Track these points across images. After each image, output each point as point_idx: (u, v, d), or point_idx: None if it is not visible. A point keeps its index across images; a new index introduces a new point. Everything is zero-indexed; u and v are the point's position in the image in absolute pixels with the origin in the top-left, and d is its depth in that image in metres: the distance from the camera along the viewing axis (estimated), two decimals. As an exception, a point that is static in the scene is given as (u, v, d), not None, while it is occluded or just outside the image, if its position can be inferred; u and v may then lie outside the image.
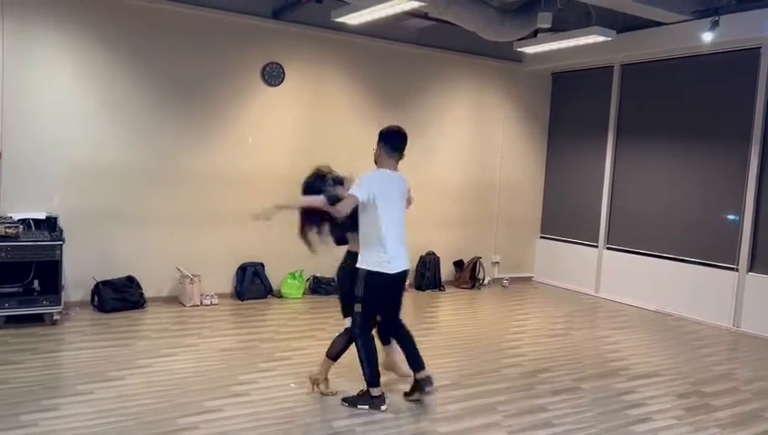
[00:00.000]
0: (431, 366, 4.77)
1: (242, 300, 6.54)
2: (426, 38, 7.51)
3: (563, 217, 8.52)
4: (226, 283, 6.62)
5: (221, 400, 3.86)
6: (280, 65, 6.75)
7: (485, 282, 8.16)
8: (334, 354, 4.06)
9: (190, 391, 3.96)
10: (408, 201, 4.34)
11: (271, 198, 6.99)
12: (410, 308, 6.93)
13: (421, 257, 7.78)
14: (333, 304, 6.68)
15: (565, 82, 8.53)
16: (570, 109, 8.49)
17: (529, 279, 8.75)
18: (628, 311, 7.25)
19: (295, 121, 6.94)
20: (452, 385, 4.40)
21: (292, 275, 6.88)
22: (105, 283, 5.85)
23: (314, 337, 5.42)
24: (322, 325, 5.84)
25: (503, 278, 8.41)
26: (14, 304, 5.13)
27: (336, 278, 4.24)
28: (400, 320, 4.17)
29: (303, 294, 6.95)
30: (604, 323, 6.79)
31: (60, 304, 5.30)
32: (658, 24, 6.55)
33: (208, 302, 6.30)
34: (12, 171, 5.50)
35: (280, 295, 6.80)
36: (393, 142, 4.02)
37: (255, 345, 5.07)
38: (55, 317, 5.28)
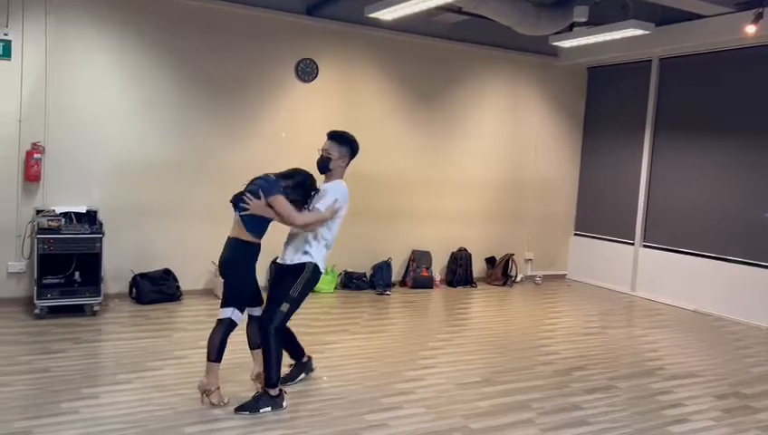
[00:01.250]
0: (463, 362, 4.78)
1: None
2: (459, 33, 7.46)
3: (598, 215, 8.39)
4: (260, 276, 6.64)
5: (255, 392, 3.91)
6: (313, 61, 6.79)
7: (518, 279, 8.09)
8: (217, 355, 3.66)
9: (224, 383, 4.01)
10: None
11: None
12: (441, 304, 6.92)
13: (452, 254, 7.76)
14: (365, 298, 6.76)
15: (601, 76, 8.39)
16: (606, 104, 8.34)
17: (563, 277, 8.64)
18: (665, 310, 7.11)
19: (328, 117, 6.97)
20: (484, 382, 4.38)
21: (325, 270, 6.91)
22: (143, 275, 5.98)
23: (347, 331, 5.45)
24: (355, 320, 5.87)
25: (536, 276, 8.32)
26: (57, 295, 5.29)
27: (228, 270, 3.75)
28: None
29: (335, 288, 7.00)
30: (640, 322, 6.66)
31: (100, 296, 5.43)
32: (699, 16, 6.38)
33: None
34: (54, 166, 5.66)
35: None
36: (356, 152, 3.95)
37: (288, 339, 5.11)
38: (95, 308, 5.42)
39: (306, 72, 6.77)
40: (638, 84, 7.77)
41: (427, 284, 7.40)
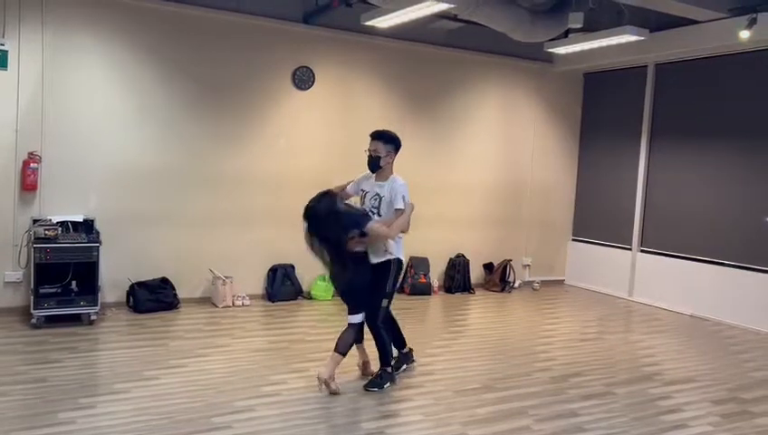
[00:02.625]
0: (461, 369, 4.78)
1: (273, 301, 6.61)
2: (455, 40, 7.49)
3: (596, 220, 8.40)
4: (258, 284, 6.70)
5: (253, 399, 3.91)
6: (310, 69, 6.81)
7: (516, 285, 8.09)
8: (344, 349, 4.16)
9: (223, 391, 4.01)
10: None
11: (301, 200, 7.09)
12: (440, 311, 6.91)
13: (450, 260, 7.76)
14: (363, 306, 6.74)
15: (597, 82, 8.42)
16: (602, 109, 8.37)
17: (561, 282, 8.65)
18: (662, 315, 7.11)
19: (326, 125, 6.99)
20: (482, 388, 4.38)
21: (323, 278, 6.92)
22: (140, 284, 5.97)
23: (344, 339, 5.43)
24: (352, 327, 5.86)
25: (533, 281, 8.33)
26: (53, 304, 5.28)
27: (351, 279, 4.13)
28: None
29: (333, 296, 6.98)
30: (638, 327, 6.66)
31: (97, 305, 5.43)
32: (693, 22, 6.42)
33: (240, 303, 6.38)
34: (51, 175, 5.66)
35: (310, 297, 6.85)
36: (400, 147, 4.34)
37: (286, 346, 5.12)
38: (92, 317, 5.41)
39: (303, 79, 6.79)
40: (635, 90, 7.80)
41: (425, 290, 7.40)
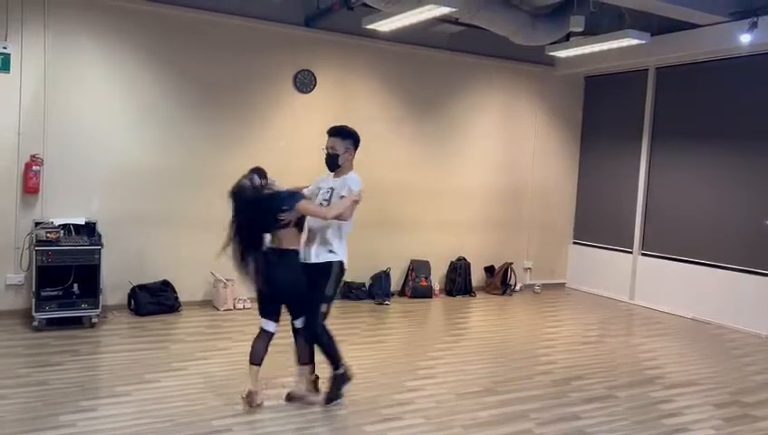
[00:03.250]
0: (462, 372, 4.78)
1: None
2: (456, 43, 7.50)
3: (597, 223, 8.40)
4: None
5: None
6: (311, 72, 6.82)
7: (517, 288, 8.09)
8: (309, 358, 3.96)
9: (224, 394, 4.01)
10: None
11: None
12: (440, 314, 6.91)
13: (452, 263, 7.76)
14: (364, 308, 6.75)
15: (598, 85, 8.43)
16: (603, 113, 8.38)
17: (562, 285, 8.64)
18: (663, 318, 7.10)
19: (326, 128, 6.97)
20: (483, 392, 4.37)
21: (324, 280, 6.91)
22: (141, 287, 5.97)
23: (346, 341, 5.42)
24: (354, 330, 5.87)
25: (534, 284, 8.32)
26: (55, 307, 5.28)
27: (273, 279, 3.77)
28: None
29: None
30: (639, 330, 6.66)
31: (98, 308, 5.43)
32: (694, 26, 6.43)
33: (241, 306, 6.37)
34: (53, 178, 5.67)
35: (311, 300, 6.84)
36: (359, 143, 4.03)
37: (286, 350, 5.08)
38: (94, 320, 5.42)
39: (304, 83, 6.80)
40: (635, 93, 7.81)
41: (426, 293, 7.40)
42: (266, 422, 3.65)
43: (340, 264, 3.84)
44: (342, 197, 3.79)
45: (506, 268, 8.00)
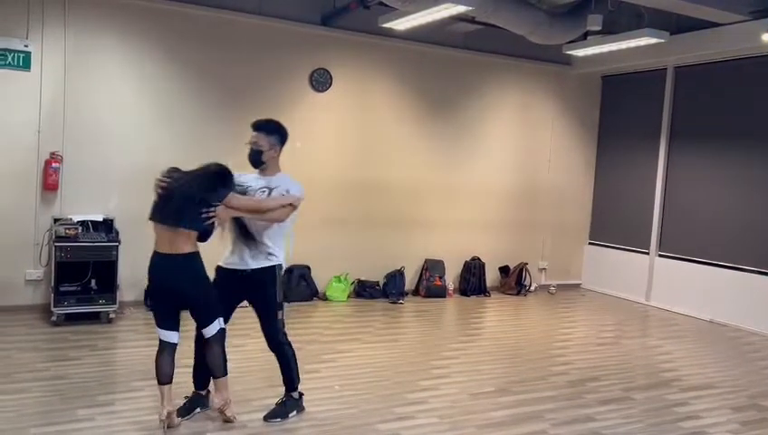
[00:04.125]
0: (477, 372, 4.77)
1: (288, 302, 6.62)
2: (472, 42, 7.48)
3: (613, 224, 8.33)
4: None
5: (267, 400, 3.90)
6: (327, 71, 6.83)
7: (532, 288, 8.05)
8: (225, 368, 3.54)
9: (238, 391, 4.02)
10: None
11: (318, 203, 7.10)
12: (455, 313, 6.90)
13: (466, 262, 7.74)
14: (378, 307, 6.76)
15: (616, 85, 8.36)
16: (620, 112, 8.30)
17: (577, 286, 8.58)
18: (680, 320, 7.03)
19: (342, 126, 7.02)
20: (497, 392, 4.36)
21: (338, 279, 6.94)
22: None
23: (359, 340, 5.45)
24: (368, 329, 5.88)
25: (550, 285, 8.27)
26: (73, 303, 5.35)
27: (198, 287, 3.46)
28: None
29: (348, 297, 7.00)
30: (655, 332, 6.60)
31: (115, 304, 5.49)
32: (714, 24, 6.35)
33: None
34: (72, 175, 5.73)
35: (325, 298, 6.87)
36: (286, 140, 3.69)
37: (301, 347, 5.10)
38: (111, 316, 5.48)
39: (320, 81, 6.81)
40: (653, 92, 7.73)
41: (440, 293, 7.39)
42: (279, 419, 3.66)
43: (281, 267, 3.59)
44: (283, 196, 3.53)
45: (521, 268, 7.97)
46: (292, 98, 6.70)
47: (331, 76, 6.85)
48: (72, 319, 5.34)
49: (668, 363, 5.31)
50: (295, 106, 6.73)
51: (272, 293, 3.56)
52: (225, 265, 3.61)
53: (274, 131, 3.62)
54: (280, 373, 3.70)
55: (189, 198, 3.38)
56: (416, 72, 7.33)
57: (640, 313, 7.38)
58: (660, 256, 7.67)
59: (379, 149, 7.19)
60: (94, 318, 5.42)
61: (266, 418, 3.59)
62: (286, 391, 3.69)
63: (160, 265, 3.45)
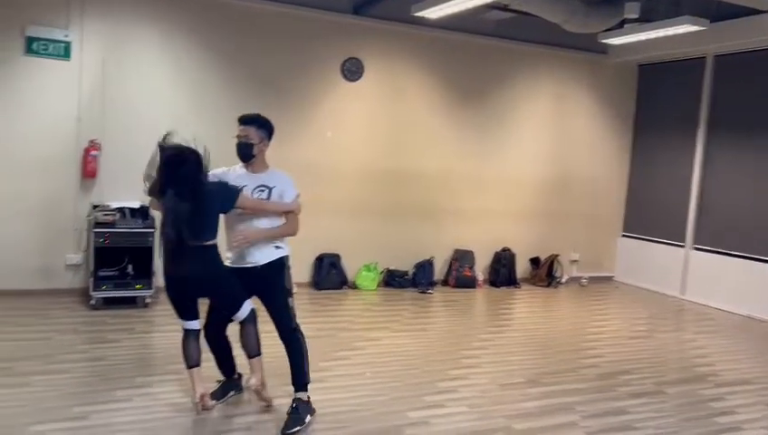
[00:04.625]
0: (506, 363, 4.76)
1: (319, 290, 6.70)
2: (505, 30, 7.39)
3: (648, 215, 8.19)
4: (305, 273, 6.80)
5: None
6: (359, 60, 6.84)
7: (563, 280, 7.97)
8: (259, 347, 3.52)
9: (271, 376, 4.06)
10: None
11: (348, 192, 7.15)
12: (484, 304, 6.88)
13: (496, 253, 7.70)
14: (407, 296, 6.78)
15: (653, 74, 8.18)
16: (657, 102, 8.13)
17: (609, 279, 8.47)
18: (716, 315, 6.89)
19: (373, 116, 7.03)
20: (527, 383, 4.35)
21: (367, 268, 6.98)
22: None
23: (389, 329, 5.49)
24: (397, 318, 5.91)
25: (581, 277, 8.18)
26: (111, 287, 5.49)
27: (215, 279, 3.40)
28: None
29: (378, 286, 7.04)
30: (690, 326, 6.49)
31: (151, 289, 5.61)
32: (756, 11, 6.16)
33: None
34: (110, 162, 5.86)
35: (355, 287, 6.92)
36: (273, 134, 3.63)
37: (332, 334, 5.19)
38: (147, 301, 5.61)
39: (352, 71, 6.83)
40: (692, 82, 7.55)
41: (469, 283, 7.37)
42: (312, 405, 3.71)
43: (288, 257, 3.57)
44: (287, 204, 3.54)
45: (552, 260, 7.90)
46: (324, 87, 6.73)
47: (362, 65, 6.86)
48: (109, 303, 5.48)
49: (703, 358, 5.22)
50: (327, 96, 6.76)
51: (281, 282, 3.52)
52: (234, 265, 3.51)
53: (264, 125, 3.59)
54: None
55: (200, 214, 3.25)
56: (447, 61, 7.29)
57: (675, 306, 7.26)
58: (696, 248, 7.52)
59: (409, 139, 7.18)
60: (131, 303, 5.56)
61: (284, 431, 3.34)
62: (296, 390, 3.52)
63: (178, 255, 3.30)
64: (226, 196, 3.36)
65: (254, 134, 3.54)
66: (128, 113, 5.93)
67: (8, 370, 3.93)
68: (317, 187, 6.71)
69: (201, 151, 3.42)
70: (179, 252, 3.24)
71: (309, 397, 3.54)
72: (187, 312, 3.46)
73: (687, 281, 7.58)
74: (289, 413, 3.44)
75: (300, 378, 3.54)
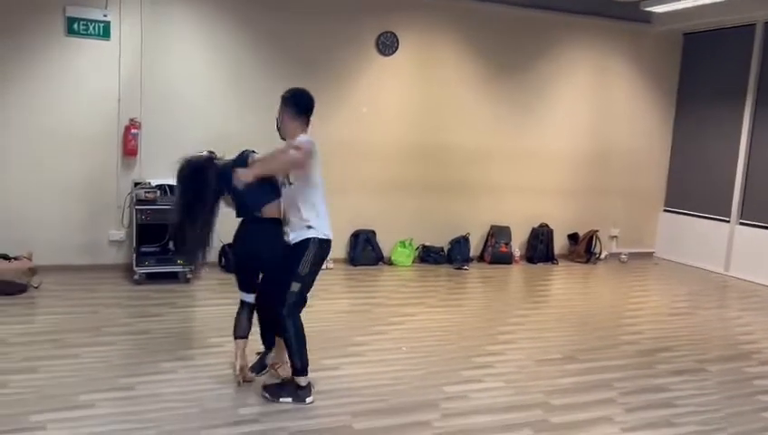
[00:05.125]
0: (543, 339, 4.73)
1: (354, 266, 6.75)
2: (544, 1, 7.20)
3: (691, 190, 7.96)
4: (341, 249, 6.85)
5: (338, 359, 4.04)
6: (394, 34, 6.77)
7: (602, 256, 7.84)
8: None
9: (310, 350, 4.15)
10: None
11: (384, 167, 7.13)
12: (521, 280, 6.84)
13: (533, 229, 7.61)
14: (443, 272, 6.78)
15: (698, 43, 7.88)
16: (702, 72, 7.84)
17: (650, 255, 8.30)
18: (762, 292, 6.70)
19: (408, 91, 6.96)
20: (564, 359, 4.32)
21: (402, 244, 6.99)
22: (230, 245, 6.22)
23: (424, 304, 5.50)
24: (432, 294, 5.92)
25: (621, 253, 8.04)
26: (153, 263, 5.63)
27: (259, 249, 3.51)
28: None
29: (413, 262, 7.05)
30: (734, 303, 6.33)
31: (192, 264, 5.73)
32: (812, -26, 5.86)
33: (324, 266, 6.51)
34: (150, 141, 5.97)
35: (390, 263, 6.94)
36: (303, 108, 3.57)
37: (369, 309, 5.24)
38: (188, 276, 5.74)
39: (387, 45, 6.76)
40: (740, 51, 7.25)
41: (505, 259, 7.32)
42: (350, 377, 3.77)
43: (320, 241, 3.43)
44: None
45: (591, 236, 7.77)
46: (359, 63, 6.69)
47: (397, 39, 6.79)
48: (152, 278, 5.63)
49: (747, 335, 5.10)
50: (362, 71, 6.72)
51: (294, 263, 3.39)
52: None
53: (285, 101, 3.61)
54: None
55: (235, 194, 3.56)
56: (484, 34, 7.15)
57: (718, 283, 7.08)
58: (741, 223, 7.29)
59: (445, 113, 7.10)
60: (173, 278, 5.69)
61: (263, 390, 3.47)
62: (292, 373, 3.47)
63: (242, 231, 3.62)
64: (237, 164, 3.54)
65: (280, 111, 3.61)
66: (166, 92, 6.01)
67: (59, 341, 4.09)
68: (352, 163, 6.73)
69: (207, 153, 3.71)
70: (243, 228, 3.60)
71: (309, 383, 3.44)
72: (243, 284, 3.61)
73: (732, 257, 7.37)
74: (278, 382, 3.50)
75: (292, 366, 3.46)
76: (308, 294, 3.55)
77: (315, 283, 3.56)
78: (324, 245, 3.49)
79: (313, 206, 3.48)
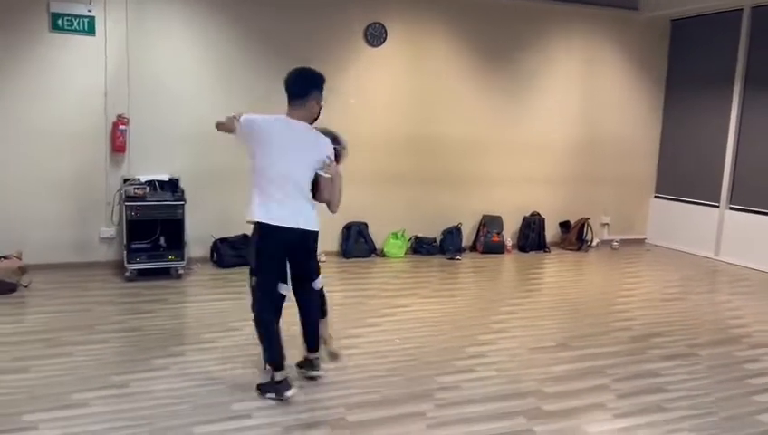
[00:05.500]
0: (536, 328, 4.75)
1: (347, 258, 6.75)
2: (532, -11, 7.19)
3: (681, 176, 8.00)
4: (333, 241, 6.85)
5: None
6: (382, 25, 6.73)
7: (594, 244, 7.88)
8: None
9: (302, 343, 4.17)
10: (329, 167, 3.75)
11: (374, 159, 7.11)
12: (513, 269, 6.86)
13: (525, 218, 7.63)
14: (435, 263, 6.79)
15: (686, 29, 7.89)
16: (690, 59, 7.86)
17: (641, 241, 8.35)
18: (751, 276, 6.76)
19: (397, 82, 6.94)
20: (558, 347, 4.35)
21: (395, 235, 6.99)
22: (223, 240, 6.23)
23: (417, 295, 5.51)
24: (425, 284, 5.93)
25: (612, 240, 8.08)
26: (144, 259, 5.60)
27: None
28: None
29: (405, 253, 7.06)
30: (724, 287, 6.38)
31: (184, 260, 5.72)
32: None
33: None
34: (138, 136, 5.93)
35: (383, 254, 6.94)
36: (287, 88, 3.67)
37: (362, 301, 5.24)
38: (180, 272, 5.72)
39: (375, 36, 6.73)
40: (727, 37, 7.26)
41: (497, 249, 7.34)
42: (344, 370, 3.77)
43: (257, 226, 3.59)
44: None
45: (582, 224, 7.80)
46: (347, 54, 6.66)
47: (385, 30, 6.75)
48: (143, 274, 5.61)
49: (737, 320, 5.14)
50: (350, 62, 6.69)
51: (313, 249, 3.69)
52: (289, 226, 3.54)
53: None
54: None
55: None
56: (472, 24, 7.13)
57: (709, 268, 7.13)
58: (731, 208, 7.34)
59: (435, 104, 7.09)
60: (164, 274, 5.67)
61: (258, 386, 3.46)
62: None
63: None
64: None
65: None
66: (154, 87, 5.97)
67: (50, 340, 4.08)
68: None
69: None
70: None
71: (282, 382, 3.36)
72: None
73: (722, 241, 7.42)
74: (267, 381, 3.44)
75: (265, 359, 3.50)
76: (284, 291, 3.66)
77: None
78: (266, 230, 3.48)
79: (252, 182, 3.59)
